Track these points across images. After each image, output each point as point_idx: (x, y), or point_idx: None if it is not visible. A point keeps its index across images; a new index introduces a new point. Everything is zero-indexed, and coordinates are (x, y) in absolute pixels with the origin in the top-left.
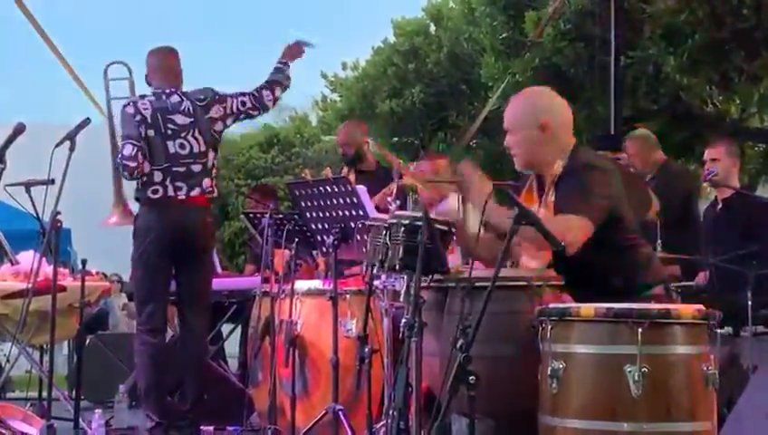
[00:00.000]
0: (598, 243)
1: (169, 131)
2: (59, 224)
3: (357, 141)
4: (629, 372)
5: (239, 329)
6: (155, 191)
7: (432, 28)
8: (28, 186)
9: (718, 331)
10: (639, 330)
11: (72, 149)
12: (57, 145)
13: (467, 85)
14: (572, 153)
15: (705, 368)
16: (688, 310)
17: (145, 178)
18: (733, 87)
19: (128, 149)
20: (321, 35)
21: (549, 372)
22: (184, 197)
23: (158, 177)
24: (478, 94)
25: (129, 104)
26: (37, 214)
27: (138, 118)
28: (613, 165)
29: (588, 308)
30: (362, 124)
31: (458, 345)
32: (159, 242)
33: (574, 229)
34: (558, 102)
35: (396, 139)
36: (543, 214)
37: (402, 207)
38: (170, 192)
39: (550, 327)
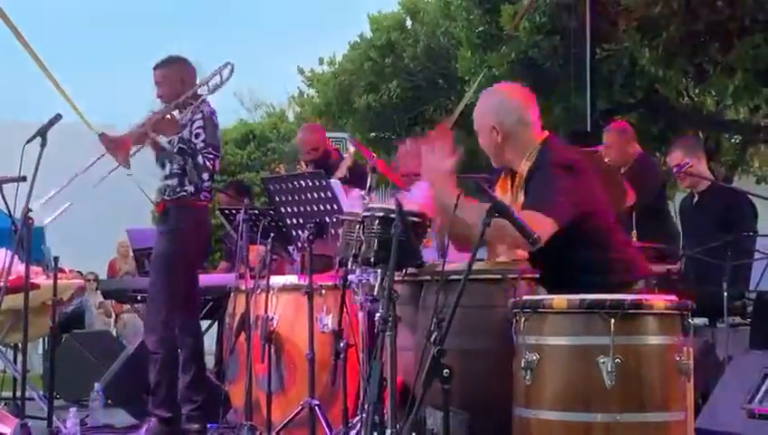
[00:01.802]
0: (571, 240)
1: None
2: (30, 221)
3: (322, 143)
4: (603, 362)
5: (215, 326)
6: (206, 197)
7: (408, 22)
8: None
9: (692, 321)
10: (612, 321)
11: (43, 145)
12: (28, 141)
13: (444, 79)
14: (541, 149)
15: (678, 358)
16: (661, 300)
17: (194, 189)
18: (708, 79)
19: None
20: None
21: (523, 364)
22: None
23: (207, 185)
24: (455, 88)
25: (215, 112)
26: (9, 211)
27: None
28: (587, 160)
29: (560, 300)
30: (319, 127)
31: (432, 339)
32: (201, 244)
33: (536, 225)
34: (513, 101)
35: (373, 134)
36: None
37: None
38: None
39: (523, 319)
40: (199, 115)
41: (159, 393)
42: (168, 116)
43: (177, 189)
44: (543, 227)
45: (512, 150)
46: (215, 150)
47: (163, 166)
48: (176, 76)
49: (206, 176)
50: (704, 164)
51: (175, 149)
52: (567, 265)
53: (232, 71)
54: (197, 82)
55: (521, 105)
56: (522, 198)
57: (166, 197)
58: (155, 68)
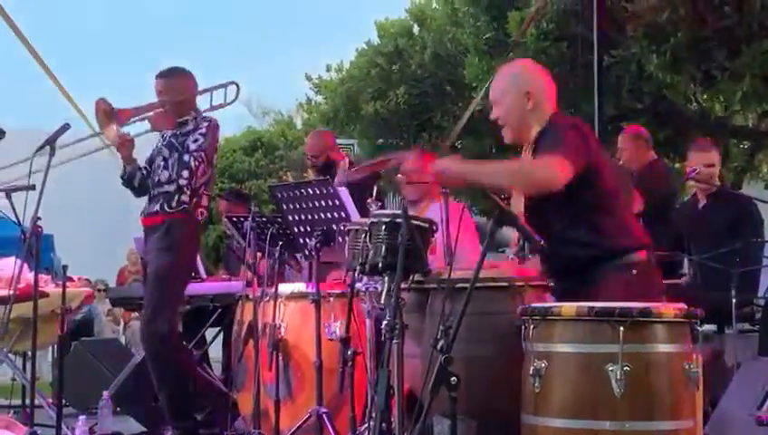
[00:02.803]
0: (573, 198)
1: None
2: (39, 229)
3: (324, 150)
4: (611, 370)
5: (222, 333)
6: (201, 214)
7: (415, 29)
8: (8, 192)
9: (701, 328)
10: (621, 328)
11: (51, 154)
12: (37, 150)
13: (451, 86)
14: (549, 119)
15: (687, 366)
16: (670, 308)
17: (197, 200)
18: (716, 85)
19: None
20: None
21: (531, 372)
22: None
23: (205, 201)
24: (462, 95)
25: (218, 126)
26: (18, 220)
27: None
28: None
29: (569, 307)
30: (327, 133)
31: (439, 346)
32: (195, 257)
33: (554, 166)
34: (538, 71)
35: (381, 140)
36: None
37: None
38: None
39: (532, 326)
40: (206, 123)
41: (175, 403)
42: (164, 112)
43: (176, 199)
44: (561, 166)
45: (534, 118)
46: (205, 156)
47: (152, 164)
48: (178, 87)
49: (185, 174)
50: (717, 165)
51: (165, 142)
52: (563, 225)
53: (238, 91)
54: (198, 91)
55: (545, 77)
56: (530, 154)
57: (167, 209)
58: (156, 77)
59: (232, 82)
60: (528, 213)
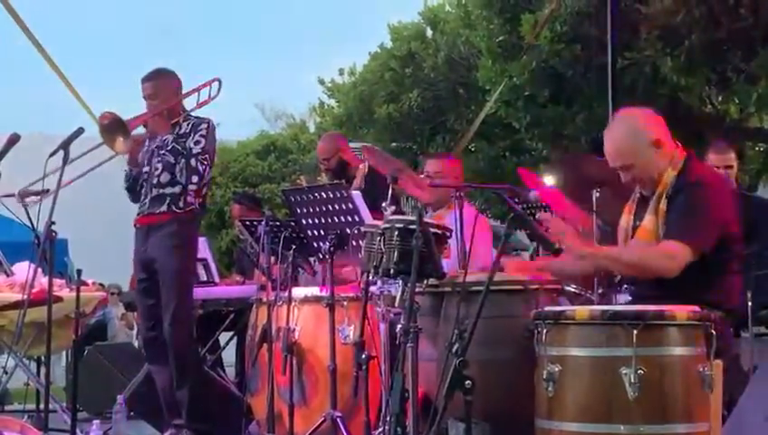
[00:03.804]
0: (705, 258)
1: None
2: (54, 234)
3: (335, 153)
4: (625, 374)
5: (236, 338)
6: (199, 212)
7: (429, 32)
8: (23, 196)
9: (714, 332)
10: (635, 332)
11: (65, 158)
12: (51, 154)
13: (465, 89)
14: (685, 164)
15: (701, 369)
16: (684, 311)
17: (201, 200)
18: (731, 87)
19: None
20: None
21: (545, 376)
22: None
23: (194, 188)
24: (476, 98)
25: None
26: (32, 224)
27: None
28: (724, 182)
29: (582, 311)
30: (340, 137)
31: (454, 350)
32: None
33: (673, 258)
34: (650, 114)
35: (394, 144)
36: (642, 242)
37: (397, 211)
38: None
39: (545, 330)
40: (204, 125)
41: (194, 407)
42: (161, 116)
43: (183, 199)
44: (682, 258)
45: (664, 164)
46: (210, 158)
47: (148, 165)
48: (169, 88)
49: (194, 178)
50: (735, 166)
51: (169, 147)
52: (688, 278)
53: (219, 86)
54: (183, 93)
55: (656, 116)
56: (665, 205)
57: (176, 209)
58: (145, 80)
59: (215, 79)
60: None
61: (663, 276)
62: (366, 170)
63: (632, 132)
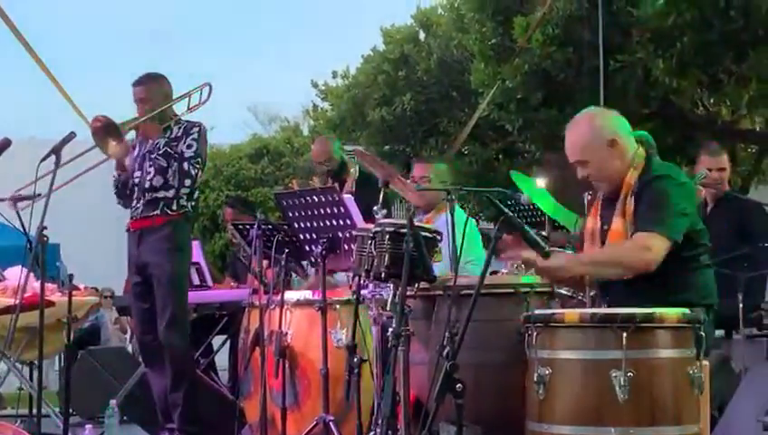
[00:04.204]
0: (671, 257)
1: None
2: (45, 238)
3: (330, 156)
4: (615, 376)
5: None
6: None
7: (421, 35)
8: (14, 201)
9: (704, 334)
10: (624, 334)
11: (57, 163)
12: (43, 159)
13: (458, 92)
14: (647, 162)
15: (691, 371)
16: (673, 313)
17: (194, 204)
18: (722, 89)
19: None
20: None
21: (535, 379)
22: None
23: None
24: (469, 101)
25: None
26: (24, 229)
27: None
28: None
29: (572, 314)
30: (330, 140)
31: (445, 353)
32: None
33: (649, 251)
34: (613, 115)
35: (387, 147)
36: (618, 237)
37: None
38: None
39: (536, 333)
40: (196, 129)
41: (186, 410)
42: (153, 120)
43: (176, 202)
44: (658, 249)
45: (625, 163)
46: (201, 162)
47: (140, 169)
48: (160, 92)
49: (187, 182)
50: (728, 169)
51: (161, 152)
52: (654, 280)
53: (210, 91)
54: (174, 97)
55: (618, 117)
56: (631, 205)
57: (169, 212)
58: (137, 85)
59: (205, 84)
60: None
61: (642, 270)
62: (357, 175)
63: (590, 130)
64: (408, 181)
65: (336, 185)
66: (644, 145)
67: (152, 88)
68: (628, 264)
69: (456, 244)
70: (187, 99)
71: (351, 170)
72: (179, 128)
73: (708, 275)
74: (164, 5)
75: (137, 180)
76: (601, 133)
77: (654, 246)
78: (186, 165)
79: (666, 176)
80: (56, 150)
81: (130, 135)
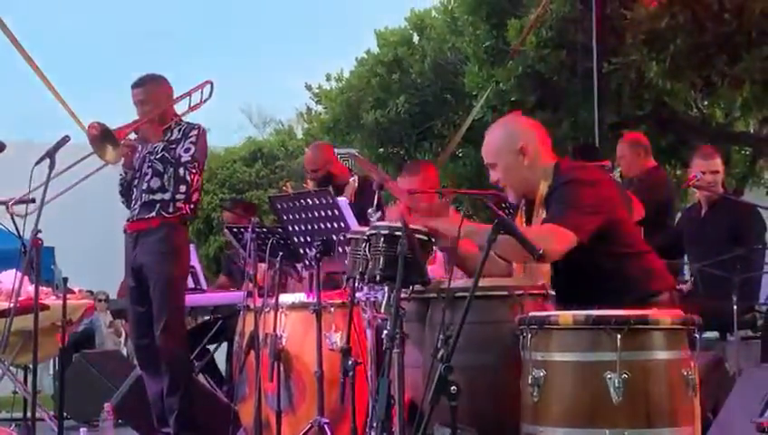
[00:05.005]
0: (594, 251)
1: None
2: (40, 242)
3: (323, 164)
4: (609, 378)
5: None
6: (190, 218)
7: (415, 38)
8: (8, 204)
9: (698, 335)
10: (618, 336)
11: (51, 166)
12: (37, 163)
13: (452, 94)
14: (555, 170)
15: (685, 373)
16: (667, 315)
17: (193, 206)
18: (716, 91)
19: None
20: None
21: (530, 381)
22: None
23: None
24: (463, 103)
25: (206, 132)
26: (18, 232)
27: None
28: (602, 173)
29: (566, 316)
30: (327, 147)
31: (439, 356)
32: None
33: (553, 238)
34: (528, 124)
35: (381, 149)
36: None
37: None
38: None
39: (530, 335)
40: (195, 131)
41: (182, 414)
42: (152, 122)
43: (172, 205)
44: (561, 239)
45: (534, 174)
46: (199, 166)
47: (138, 171)
48: (161, 93)
49: (182, 188)
50: (721, 172)
51: (158, 156)
52: (590, 277)
53: (212, 89)
54: (174, 97)
55: (536, 128)
56: (543, 214)
57: (165, 214)
58: (136, 86)
59: (207, 82)
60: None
61: (541, 252)
62: (356, 185)
63: (503, 135)
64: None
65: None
66: (641, 148)
67: (151, 89)
68: (529, 241)
69: None
70: (188, 98)
71: (350, 180)
72: (179, 130)
73: (652, 261)
74: (158, 9)
75: (135, 181)
76: (512, 140)
77: (558, 232)
78: (182, 170)
79: (570, 180)
80: (50, 154)
81: (134, 135)
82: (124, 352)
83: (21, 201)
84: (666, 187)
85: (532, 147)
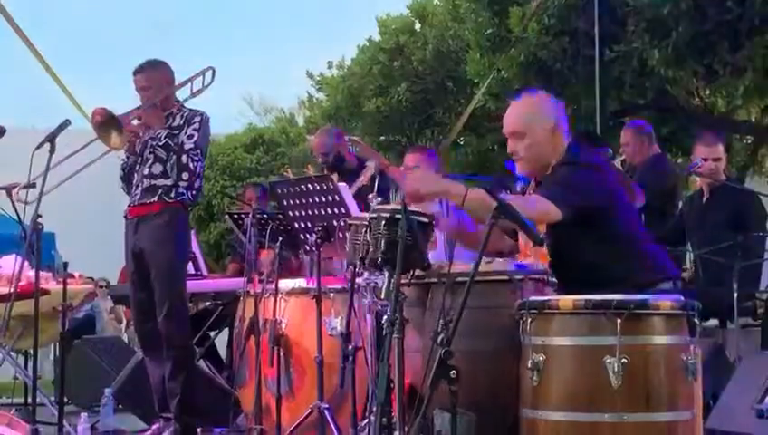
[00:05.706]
0: (593, 237)
1: None
2: (40, 227)
3: (331, 148)
4: (609, 362)
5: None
6: (192, 204)
7: (417, 26)
8: (9, 189)
9: (698, 322)
10: (618, 321)
11: (51, 151)
12: (37, 147)
13: (453, 82)
14: (565, 153)
15: (684, 358)
16: (667, 301)
17: (195, 192)
18: (718, 79)
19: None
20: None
21: (529, 365)
22: None
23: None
24: (464, 91)
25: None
26: (19, 217)
27: None
28: (603, 160)
29: (566, 300)
30: (335, 131)
31: (439, 340)
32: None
33: (533, 207)
34: (562, 105)
35: (383, 137)
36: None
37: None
38: None
39: (530, 320)
40: (198, 117)
41: (184, 398)
42: (155, 108)
43: (174, 190)
44: (545, 210)
45: (554, 153)
46: (201, 154)
47: (140, 156)
48: (163, 79)
49: (185, 175)
50: (723, 159)
51: (161, 143)
52: (588, 264)
53: (213, 75)
54: (176, 84)
55: (563, 110)
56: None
57: (167, 199)
58: (138, 72)
59: (208, 68)
60: (552, 243)
61: (542, 237)
62: (373, 170)
63: (537, 109)
64: (402, 169)
65: (335, 176)
66: (645, 135)
67: (153, 75)
68: (512, 207)
69: None
70: (189, 84)
71: (368, 164)
72: (182, 116)
73: (648, 250)
74: None
75: (137, 166)
76: (546, 116)
77: (540, 200)
78: (184, 158)
79: (567, 163)
80: (51, 138)
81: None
82: (125, 338)
83: (26, 186)
84: (669, 173)
85: (561, 128)
